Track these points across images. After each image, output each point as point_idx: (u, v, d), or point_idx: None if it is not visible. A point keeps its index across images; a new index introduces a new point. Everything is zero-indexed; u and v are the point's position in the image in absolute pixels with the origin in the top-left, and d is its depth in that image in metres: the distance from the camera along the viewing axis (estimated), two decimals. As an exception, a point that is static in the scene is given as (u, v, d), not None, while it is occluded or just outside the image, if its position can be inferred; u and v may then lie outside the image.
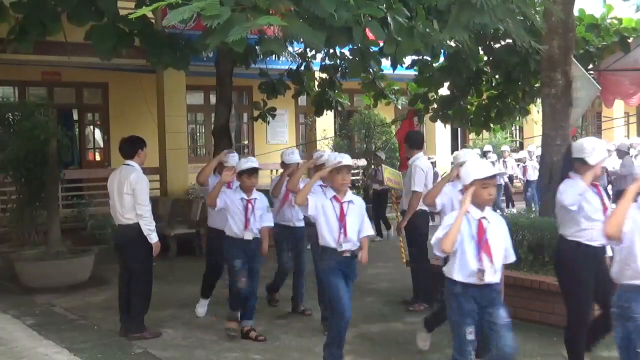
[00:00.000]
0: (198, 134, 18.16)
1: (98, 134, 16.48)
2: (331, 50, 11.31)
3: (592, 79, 9.26)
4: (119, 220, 6.55)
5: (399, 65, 9.82)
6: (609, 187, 13.90)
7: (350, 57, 9.94)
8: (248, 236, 6.28)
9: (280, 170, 7.66)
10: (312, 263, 6.80)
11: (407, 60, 11.21)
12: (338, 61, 12.12)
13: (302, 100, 15.86)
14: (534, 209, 10.16)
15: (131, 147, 6.61)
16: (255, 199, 6.37)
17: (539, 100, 11.92)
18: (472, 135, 19.51)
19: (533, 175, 15.70)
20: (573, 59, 8.18)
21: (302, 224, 7.15)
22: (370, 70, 11.69)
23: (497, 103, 12.78)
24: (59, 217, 9.66)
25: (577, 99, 8.16)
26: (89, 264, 9.27)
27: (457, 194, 5.44)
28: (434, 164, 15.41)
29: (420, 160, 7.37)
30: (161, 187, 14.13)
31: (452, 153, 17.28)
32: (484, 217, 4.33)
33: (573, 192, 4.82)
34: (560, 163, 5.93)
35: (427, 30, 6.96)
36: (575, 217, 4.89)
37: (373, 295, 8.09)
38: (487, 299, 4.31)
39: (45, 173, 9.42)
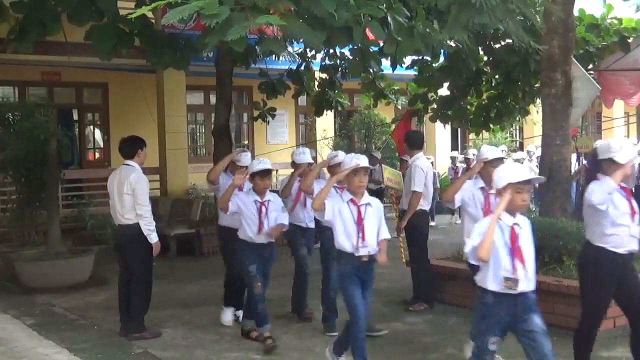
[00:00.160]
0: (198, 134, 18.16)
1: (98, 134, 16.48)
2: (331, 50, 11.31)
3: (592, 79, 9.27)
4: (118, 220, 6.54)
5: (398, 65, 9.83)
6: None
7: (351, 57, 9.94)
8: (262, 240, 6.09)
9: (284, 170, 7.57)
10: (318, 264, 6.81)
11: (407, 60, 11.21)
12: (338, 61, 12.13)
13: (302, 100, 15.86)
14: (533, 209, 10.14)
15: (131, 147, 6.61)
16: (269, 200, 6.17)
17: (538, 101, 11.93)
18: (471, 136, 19.51)
19: None
20: (573, 59, 8.18)
21: (313, 224, 6.96)
22: (370, 70, 11.69)
23: (497, 103, 12.79)
24: (59, 217, 9.67)
25: (577, 99, 8.16)
26: (89, 264, 9.27)
27: (478, 190, 5.39)
28: (432, 164, 15.42)
29: (420, 160, 7.37)
30: (161, 187, 14.13)
31: (452, 152, 17.31)
32: (516, 224, 4.17)
33: (602, 190, 4.66)
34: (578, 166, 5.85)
35: (427, 30, 6.96)
36: (600, 221, 4.74)
37: (373, 295, 8.04)
38: (522, 308, 4.15)
39: (45, 173, 9.42)
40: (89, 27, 7.85)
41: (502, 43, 11.12)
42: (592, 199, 4.70)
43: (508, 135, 20.66)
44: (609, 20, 11.78)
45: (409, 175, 7.38)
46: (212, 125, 13.03)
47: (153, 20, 8.64)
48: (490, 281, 4.15)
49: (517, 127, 21.76)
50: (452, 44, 9.64)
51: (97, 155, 16.48)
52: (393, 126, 16.18)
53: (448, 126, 15.49)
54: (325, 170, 6.97)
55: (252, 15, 4.31)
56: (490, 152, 5.60)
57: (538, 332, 4.13)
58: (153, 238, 6.44)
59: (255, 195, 6.12)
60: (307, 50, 12.13)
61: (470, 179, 5.62)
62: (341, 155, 6.19)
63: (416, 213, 7.25)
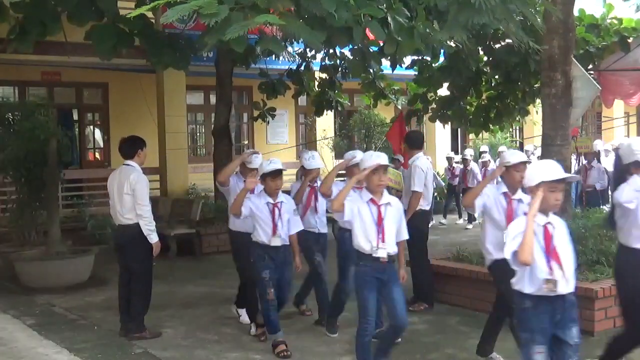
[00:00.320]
0: (198, 134, 18.17)
1: (98, 134, 16.49)
2: (331, 50, 11.32)
3: (592, 79, 9.26)
4: (118, 220, 6.54)
5: (398, 65, 9.85)
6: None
7: (351, 57, 9.95)
8: (276, 242, 5.88)
9: (288, 171, 7.35)
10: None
11: (407, 60, 11.24)
12: (338, 61, 12.15)
13: (302, 100, 15.89)
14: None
15: (131, 147, 6.60)
16: (282, 202, 5.98)
17: (538, 101, 11.94)
18: (471, 136, 19.52)
19: None
20: (573, 59, 8.18)
21: (326, 230, 6.83)
22: (370, 70, 11.70)
23: (497, 103, 12.80)
24: (59, 217, 9.66)
25: (577, 99, 8.16)
26: (89, 264, 9.27)
27: (500, 196, 5.19)
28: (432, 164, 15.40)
29: (420, 160, 7.36)
30: (161, 187, 14.14)
31: (452, 153, 17.30)
32: (549, 223, 4.01)
33: (629, 188, 4.60)
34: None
35: (427, 30, 6.96)
36: (634, 222, 4.64)
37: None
38: (562, 312, 3.98)
39: (45, 173, 9.42)
40: (89, 27, 7.86)
41: (502, 43, 11.12)
42: (620, 197, 4.65)
43: (508, 135, 20.66)
44: (609, 20, 11.80)
45: (408, 175, 7.38)
46: (212, 125, 13.06)
47: (153, 21, 8.65)
48: (528, 284, 3.98)
49: (517, 128, 21.76)
50: (452, 44, 9.65)
51: (97, 155, 16.49)
52: (392, 126, 16.25)
53: (448, 126, 15.51)
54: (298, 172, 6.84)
55: (251, 15, 4.31)
56: (513, 156, 5.30)
57: (571, 345, 3.99)
58: (153, 238, 6.44)
59: (267, 197, 5.94)
60: (307, 50, 12.14)
61: (490, 184, 5.37)
62: (359, 155, 6.01)
63: (416, 213, 7.25)
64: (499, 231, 5.02)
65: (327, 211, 6.71)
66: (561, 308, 3.98)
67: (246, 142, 18.05)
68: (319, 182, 6.64)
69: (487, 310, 6.90)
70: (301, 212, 6.59)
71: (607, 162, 14.69)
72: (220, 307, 7.70)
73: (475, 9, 5.04)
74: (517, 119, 14.05)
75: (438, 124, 14.40)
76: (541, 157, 8.30)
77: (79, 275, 9.07)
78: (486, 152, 15.54)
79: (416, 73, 12.52)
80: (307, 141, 17.51)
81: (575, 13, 9.33)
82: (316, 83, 13.37)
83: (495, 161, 15.61)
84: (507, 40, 10.68)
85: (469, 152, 15.19)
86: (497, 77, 12.39)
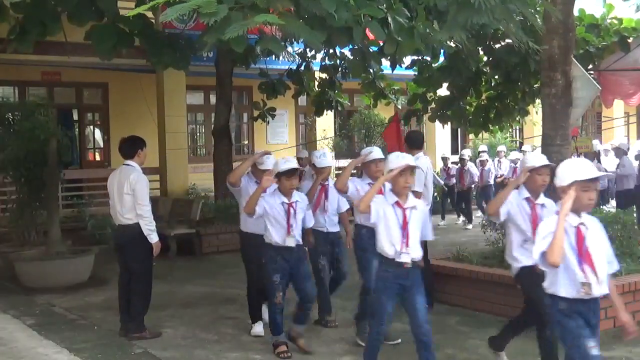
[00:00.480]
0: (198, 134, 18.17)
1: (98, 134, 16.49)
2: (331, 50, 11.32)
3: (592, 79, 9.26)
4: (118, 220, 6.55)
5: (398, 65, 9.84)
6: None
7: (351, 57, 9.95)
8: (290, 242, 5.73)
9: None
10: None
11: (407, 60, 11.23)
12: (338, 61, 12.15)
13: (302, 100, 15.89)
14: None
15: (131, 147, 6.60)
16: (297, 201, 5.82)
17: (538, 101, 11.93)
18: (472, 136, 19.52)
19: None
20: (573, 59, 8.17)
21: (336, 228, 6.69)
22: (370, 70, 11.70)
23: (496, 104, 12.79)
24: (59, 217, 9.67)
25: (577, 99, 8.15)
26: (89, 264, 9.27)
27: (523, 201, 5.00)
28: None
29: (420, 160, 7.35)
30: (161, 187, 14.14)
31: (452, 153, 17.31)
32: (582, 224, 3.90)
33: None
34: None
35: (427, 30, 6.96)
36: None
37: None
38: (593, 314, 3.92)
39: (45, 173, 9.42)
40: (89, 27, 7.86)
41: (502, 43, 11.12)
42: None
43: (508, 135, 20.67)
44: (609, 20, 11.79)
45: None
46: (212, 125, 13.07)
47: (153, 21, 8.65)
48: (563, 287, 3.89)
49: (517, 128, 21.76)
50: (452, 44, 9.65)
51: (97, 155, 16.49)
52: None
53: (447, 126, 15.51)
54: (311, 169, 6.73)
55: (250, 15, 4.31)
56: (536, 159, 5.13)
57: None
58: (153, 238, 6.44)
59: (281, 196, 5.78)
60: (307, 50, 12.15)
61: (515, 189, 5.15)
62: (376, 152, 5.93)
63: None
64: (526, 238, 4.94)
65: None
66: (595, 310, 3.92)
67: (246, 142, 18.06)
68: (330, 181, 6.59)
69: (487, 310, 6.95)
70: (311, 210, 6.41)
71: (607, 162, 14.70)
72: (220, 307, 7.70)
73: (474, 9, 5.03)
74: (517, 119, 14.04)
75: (438, 124, 14.40)
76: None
77: (79, 275, 9.07)
78: (485, 151, 15.54)
79: (416, 73, 12.52)
80: (307, 141, 17.51)
81: (575, 13, 9.32)
82: (316, 83, 13.38)
83: (493, 160, 15.64)
84: (507, 40, 10.67)
85: (467, 152, 15.17)
86: (497, 77, 12.38)
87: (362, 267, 6.09)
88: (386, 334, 6.05)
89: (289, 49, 12.34)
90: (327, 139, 16.75)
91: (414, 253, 4.85)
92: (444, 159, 15.27)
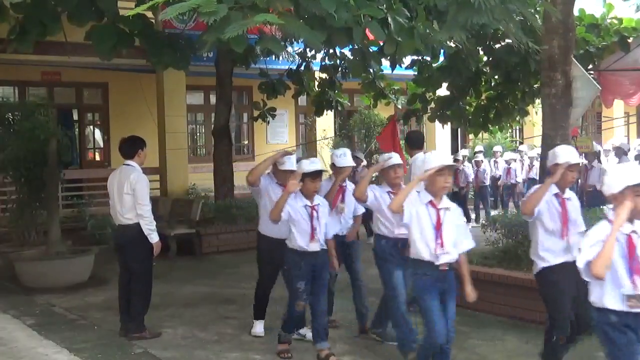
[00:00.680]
0: (198, 134, 18.17)
1: (98, 134, 16.49)
2: (331, 50, 11.33)
3: (592, 79, 9.27)
4: (118, 220, 6.55)
5: (398, 65, 9.84)
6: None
7: (351, 57, 9.95)
8: (315, 247, 5.55)
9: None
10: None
11: (407, 60, 11.24)
12: (338, 61, 12.15)
13: (302, 100, 15.89)
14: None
15: (131, 147, 6.61)
16: (319, 204, 5.63)
17: (538, 101, 11.94)
18: (472, 136, 19.52)
19: (517, 177, 15.53)
20: (573, 59, 8.18)
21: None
22: (370, 70, 11.71)
23: (496, 104, 12.80)
24: (59, 217, 9.66)
25: (577, 99, 8.16)
26: (89, 264, 9.27)
27: (552, 197, 4.87)
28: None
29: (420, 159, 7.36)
30: (161, 187, 14.14)
31: (451, 153, 17.30)
32: (634, 232, 3.70)
33: None
34: None
35: (427, 30, 6.96)
36: None
37: (373, 295, 8.04)
38: None
39: (45, 173, 9.42)
40: (89, 27, 7.86)
41: (502, 43, 11.13)
42: None
43: (508, 135, 20.67)
44: (609, 20, 11.80)
45: (409, 175, 7.38)
46: (212, 125, 13.07)
47: (153, 21, 8.65)
48: (610, 299, 3.70)
49: (517, 128, 21.77)
50: (452, 44, 9.65)
51: (97, 155, 16.49)
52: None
53: (447, 126, 15.51)
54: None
55: (250, 14, 4.31)
56: (572, 155, 4.95)
57: None
58: (154, 238, 6.44)
59: (303, 198, 5.57)
60: (307, 50, 12.16)
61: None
62: (395, 158, 5.74)
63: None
64: (554, 236, 4.88)
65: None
66: None
67: (246, 142, 18.07)
68: (347, 183, 6.39)
69: (487, 310, 6.94)
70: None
71: (607, 162, 14.70)
72: (220, 307, 7.71)
73: (474, 9, 5.04)
74: (517, 119, 14.05)
75: (438, 124, 14.39)
76: (541, 157, 8.30)
77: (79, 275, 9.07)
78: (480, 151, 15.53)
79: (416, 73, 12.52)
80: (307, 141, 17.52)
81: (576, 13, 9.33)
82: (316, 83, 13.38)
83: (489, 161, 15.63)
84: (507, 40, 10.67)
85: (463, 152, 15.14)
86: (496, 77, 12.38)
87: (383, 278, 5.90)
88: (386, 335, 6.05)
89: (289, 49, 12.35)
90: (327, 139, 16.75)
91: (450, 255, 4.68)
92: None
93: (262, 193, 6.16)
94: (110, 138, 15.39)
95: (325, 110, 13.57)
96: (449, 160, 4.76)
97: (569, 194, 5.00)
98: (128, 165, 6.54)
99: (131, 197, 6.40)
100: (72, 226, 11.67)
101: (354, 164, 6.52)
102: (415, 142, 7.57)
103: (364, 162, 12.35)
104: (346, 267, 6.55)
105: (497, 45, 11.30)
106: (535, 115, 16.95)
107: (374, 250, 5.91)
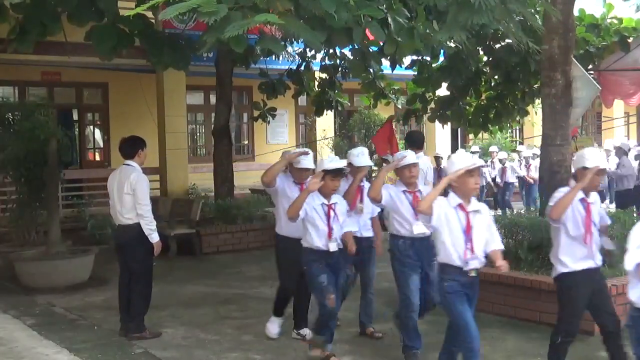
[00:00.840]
0: (198, 134, 18.18)
1: (98, 134, 16.50)
2: (331, 50, 11.33)
3: (592, 79, 9.28)
4: (118, 220, 6.55)
5: (398, 65, 9.85)
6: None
7: (351, 57, 9.96)
8: (332, 247, 5.42)
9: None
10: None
11: (407, 60, 11.25)
12: (338, 61, 12.16)
13: (302, 100, 15.90)
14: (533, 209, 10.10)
15: (131, 147, 6.60)
16: (336, 203, 5.49)
17: (538, 101, 11.94)
18: (472, 136, 19.53)
19: (512, 177, 15.52)
20: (573, 59, 8.19)
21: (370, 233, 6.30)
22: (370, 70, 11.71)
23: (496, 104, 12.80)
24: (59, 217, 9.66)
25: (577, 99, 8.17)
26: (89, 264, 9.26)
27: (577, 202, 4.76)
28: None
29: (420, 159, 7.35)
30: (161, 187, 14.15)
31: (452, 153, 17.30)
32: None
33: None
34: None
35: (427, 30, 6.97)
36: None
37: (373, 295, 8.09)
38: None
39: (45, 173, 9.42)
40: (89, 27, 7.86)
41: (502, 43, 11.13)
42: None
43: (508, 135, 20.67)
44: (609, 20, 11.81)
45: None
46: (212, 125, 13.07)
47: (153, 21, 8.65)
48: None
49: (517, 128, 21.78)
50: (452, 44, 9.65)
51: (97, 155, 16.49)
52: (393, 125, 16.24)
53: (448, 126, 15.51)
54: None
55: (250, 14, 4.32)
56: (601, 160, 4.82)
57: None
58: (154, 237, 6.44)
59: (321, 197, 5.43)
60: (307, 50, 12.16)
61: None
62: (410, 156, 5.57)
63: (415, 213, 7.20)
64: (576, 241, 4.78)
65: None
66: None
67: (246, 142, 18.08)
68: (365, 182, 6.26)
69: (487, 310, 6.93)
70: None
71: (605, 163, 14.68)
72: (220, 307, 7.71)
73: (474, 9, 5.04)
74: (517, 119, 14.05)
75: (438, 124, 14.40)
76: (541, 157, 8.31)
77: (79, 275, 9.07)
78: (476, 152, 15.52)
79: (416, 73, 12.53)
80: (307, 141, 17.52)
81: (575, 13, 9.34)
82: (316, 83, 13.38)
83: (486, 161, 15.63)
84: (507, 40, 10.68)
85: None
86: (496, 77, 12.39)
87: (398, 281, 5.72)
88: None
89: (289, 49, 12.35)
90: (327, 139, 16.76)
91: (479, 261, 4.55)
92: (437, 158, 15.22)
93: (279, 192, 6.03)
94: (110, 138, 15.40)
95: (325, 110, 13.57)
96: (479, 160, 4.63)
97: (593, 197, 4.90)
98: (128, 165, 6.54)
99: (131, 197, 6.40)
100: (72, 226, 11.67)
101: (372, 164, 6.37)
102: (416, 142, 7.57)
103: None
104: (358, 269, 6.39)
105: (497, 45, 11.31)
106: (535, 115, 16.95)
107: (390, 250, 5.76)
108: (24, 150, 9.51)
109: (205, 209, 11.65)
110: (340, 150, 16.66)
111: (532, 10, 7.73)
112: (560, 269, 4.89)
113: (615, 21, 11.77)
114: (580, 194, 4.77)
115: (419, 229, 5.42)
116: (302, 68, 12.75)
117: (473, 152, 15.47)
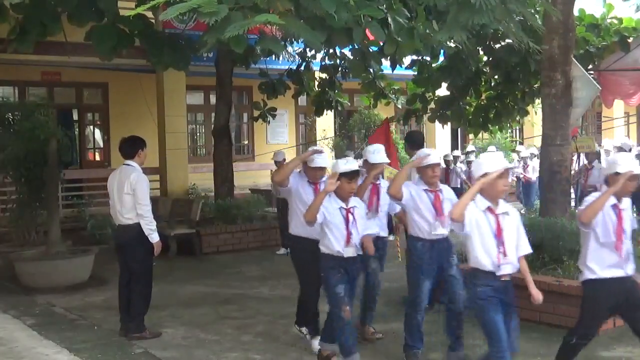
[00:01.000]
0: (198, 134, 18.18)
1: (98, 134, 16.50)
2: (331, 50, 11.33)
3: (592, 79, 9.28)
4: (118, 220, 6.55)
5: (398, 65, 9.85)
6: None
7: (351, 57, 9.96)
8: (350, 253, 5.25)
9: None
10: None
11: (407, 60, 11.24)
12: (338, 61, 12.16)
13: (302, 100, 15.90)
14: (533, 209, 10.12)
15: (131, 147, 6.61)
16: (355, 207, 5.30)
17: (538, 102, 11.94)
18: (472, 135, 19.52)
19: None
20: (573, 59, 8.19)
21: (385, 232, 6.22)
22: (370, 70, 11.72)
23: (496, 104, 12.80)
24: (59, 217, 9.66)
25: (577, 99, 8.17)
26: (89, 264, 9.27)
27: (609, 208, 4.64)
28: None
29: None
30: (161, 187, 14.15)
31: (452, 152, 17.30)
32: None
33: None
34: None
35: (427, 30, 6.97)
36: None
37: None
38: None
39: (45, 173, 9.42)
40: (89, 27, 7.86)
41: (502, 43, 11.13)
42: None
43: (508, 135, 20.67)
44: (609, 20, 11.82)
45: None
46: (212, 125, 13.08)
47: (153, 21, 8.65)
48: None
49: (517, 128, 21.78)
50: (452, 44, 9.65)
51: (97, 155, 16.49)
52: (393, 126, 16.25)
53: (448, 126, 15.51)
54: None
55: (250, 15, 4.32)
56: (636, 165, 4.67)
57: None
58: (154, 237, 6.44)
59: (338, 200, 5.24)
60: (307, 50, 12.16)
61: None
62: (433, 156, 5.44)
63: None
64: (605, 248, 4.68)
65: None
66: None
67: (246, 142, 18.08)
68: (381, 180, 6.17)
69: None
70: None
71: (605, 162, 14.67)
72: (220, 307, 7.71)
73: (475, 9, 5.04)
74: (517, 119, 14.04)
75: (438, 124, 14.40)
76: (541, 157, 8.31)
77: (79, 275, 9.07)
78: (472, 151, 15.49)
79: (416, 73, 12.53)
80: (307, 141, 17.52)
81: (575, 13, 9.34)
82: (316, 83, 13.39)
83: None
84: (507, 40, 10.69)
85: (454, 153, 15.11)
86: (496, 77, 12.39)
87: (409, 283, 5.67)
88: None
89: (289, 49, 12.35)
90: (327, 139, 16.76)
91: (512, 265, 4.44)
92: (447, 162, 15.17)
93: (292, 192, 5.84)
94: (110, 138, 15.40)
95: (325, 110, 13.58)
96: (507, 163, 4.51)
97: (625, 204, 4.78)
98: (128, 165, 6.54)
99: (131, 197, 6.40)
100: (72, 226, 11.67)
101: (388, 161, 6.27)
102: (416, 142, 7.56)
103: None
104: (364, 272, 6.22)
105: (497, 45, 11.30)
106: (535, 115, 16.95)
107: (407, 250, 5.63)
108: (24, 150, 9.51)
109: (205, 209, 11.66)
110: (341, 150, 16.68)
111: (532, 10, 7.72)
112: (587, 275, 4.79)
113: (615, 21, 11.77)
114: (613, 200, 4.66)
115: (439, 229, 5.36)
116: (302, 68, 12.75)
117: (469, 152, 15.47)
